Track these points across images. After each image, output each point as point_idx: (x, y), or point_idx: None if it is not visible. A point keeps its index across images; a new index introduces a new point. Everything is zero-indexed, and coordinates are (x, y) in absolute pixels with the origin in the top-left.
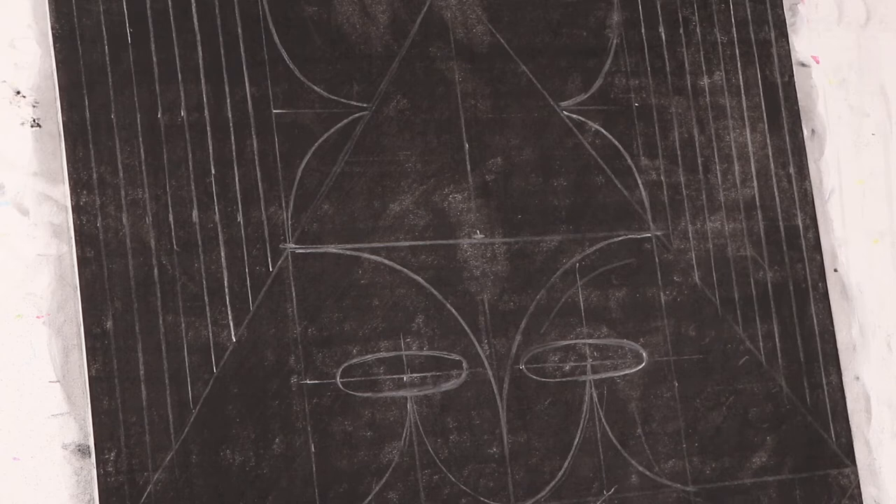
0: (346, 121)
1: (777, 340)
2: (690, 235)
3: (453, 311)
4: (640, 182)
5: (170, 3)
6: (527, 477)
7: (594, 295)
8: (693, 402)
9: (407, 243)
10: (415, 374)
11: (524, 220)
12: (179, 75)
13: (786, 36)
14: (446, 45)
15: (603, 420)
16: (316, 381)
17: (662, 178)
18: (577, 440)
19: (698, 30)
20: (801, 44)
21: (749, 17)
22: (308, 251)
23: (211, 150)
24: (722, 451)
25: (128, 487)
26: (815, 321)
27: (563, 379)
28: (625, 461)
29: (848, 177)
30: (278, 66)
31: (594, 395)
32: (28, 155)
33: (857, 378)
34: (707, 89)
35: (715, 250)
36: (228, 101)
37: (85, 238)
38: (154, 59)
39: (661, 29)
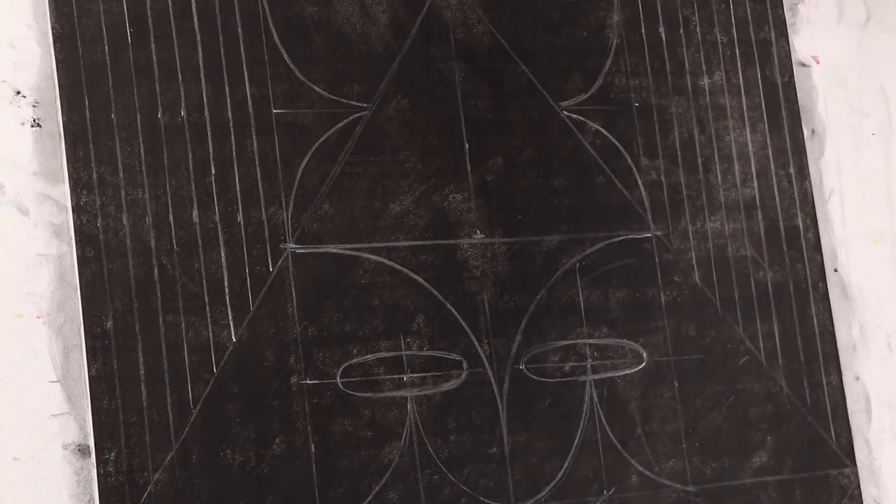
0: (346, 121)
1: (777, 340)
2: (690, 235)
3: (453, 311)
4: (640, 182)
5: (170, 3)
6: (527, 477)
7: (594, 295)
8: (693, 402)
9: (407, 243)
10: (415, 374)
11: (524, 220)
12: (179, 75)
13: (786, 36)
14: (446, 45)
15: (603, 420)
16: (316, 381)
17: (662, 178)
18: (577, 440)
19: (698, 30)
20: (801, 44)
21: (749, 17)
22: (308, 251)
23: (211, 150)
24: (722, 451)
25: (128, 487)
26: (815, 321)
27: (564, 379)
28: (625, 461)
29: (848, 177)
30: (278, 66)
31: (594, 395)
32: (28, 155)
33: (857, 378)
34: (707, 89)
35: (715, 250)
36: (228, 101)
37: (85, 238)
38: (154, 59)
39: (661, 29)
